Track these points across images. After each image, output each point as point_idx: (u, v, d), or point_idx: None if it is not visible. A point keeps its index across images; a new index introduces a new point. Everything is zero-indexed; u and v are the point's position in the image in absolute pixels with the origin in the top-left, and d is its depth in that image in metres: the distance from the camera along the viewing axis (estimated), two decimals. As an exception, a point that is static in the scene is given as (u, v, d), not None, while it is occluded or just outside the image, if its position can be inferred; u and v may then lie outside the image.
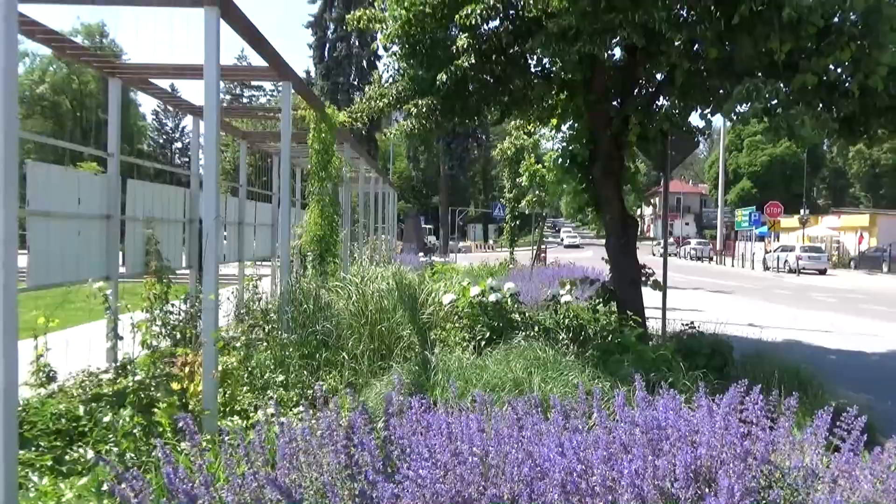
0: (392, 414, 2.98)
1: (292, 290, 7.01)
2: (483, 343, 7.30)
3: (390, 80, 8.16)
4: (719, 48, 6.00)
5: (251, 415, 5.38)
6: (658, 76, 7.93)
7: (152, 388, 4.06)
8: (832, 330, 11.35)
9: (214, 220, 4.87)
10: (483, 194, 66.72)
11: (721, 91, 6.46)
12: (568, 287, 8.80)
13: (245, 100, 62.24)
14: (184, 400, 4.50)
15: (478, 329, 7.59)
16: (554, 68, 8.06)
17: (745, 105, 5.27)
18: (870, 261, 34.96)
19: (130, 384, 5.49)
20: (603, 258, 8.85)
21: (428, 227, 48.33)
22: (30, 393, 5.83)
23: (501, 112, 8.35)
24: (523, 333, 7.49)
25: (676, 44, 6.42)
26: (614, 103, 8.22)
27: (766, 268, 35.56)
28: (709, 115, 7.25)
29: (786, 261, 33.33)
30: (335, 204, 9.47)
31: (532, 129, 10.11)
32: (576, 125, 8.67)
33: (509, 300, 8.08)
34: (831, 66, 5.65)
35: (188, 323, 7.94)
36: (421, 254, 22.73)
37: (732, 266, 38.67)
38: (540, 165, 15.60)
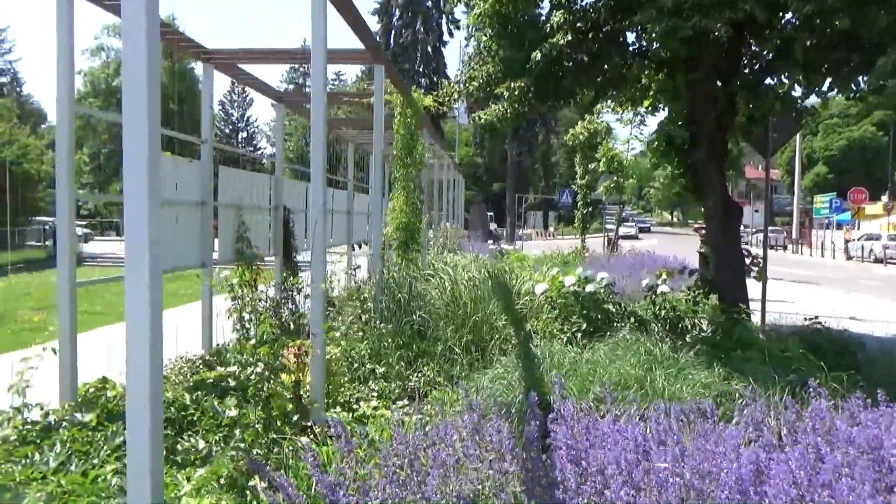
0: (552, 419, 2.72)
1: (386, 279, 6.86)
2: (580, 335, 7.00)
3: (479, 62, 7.87)
4: (851, 17, 5.48)
5: (353, 407, 5.26)
6: (766, 53, 7.38)
7: (271, 380, 3.92)
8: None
9: (322, 207, 4.71)
10: (544, 181, 65.76)
11: (847, 66, 5.92)
12: (664, 277, 8.39)
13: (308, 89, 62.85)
14: (298, 392, 4.38)
15: (574, 320, 7.29)
16: (653, 46, 7.63)
17: (890, 80, 4.77)
18: (964, 250, 32.71)
19: (236, 373, 5.44)
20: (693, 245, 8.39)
21: (490, 214, 48.00)
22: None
23: (596, 93, 7.96)
24: (626, 326, 7.16)
25: (797, 16, 5.93)
26: (718, 83, 7.71)
27: (849, 257, 33.80)
28: (828, 93, 6.70)
29: (871, 250, 31.57)
30: (419, 191, 9.29)
31: (623, 111, 9.64)
32: (675, 106, 8.19)
33: (603, 291, 7.75)
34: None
35: (278, 310, 7.91)
36: (490, 241, 22.41)
37: (811, 255, 36.93)
38: (619, 150, 15.07)
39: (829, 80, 6.27)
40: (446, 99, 8.25)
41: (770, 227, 54.33)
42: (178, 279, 13.17)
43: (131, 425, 2.37)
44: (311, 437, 4.06)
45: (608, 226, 21.19)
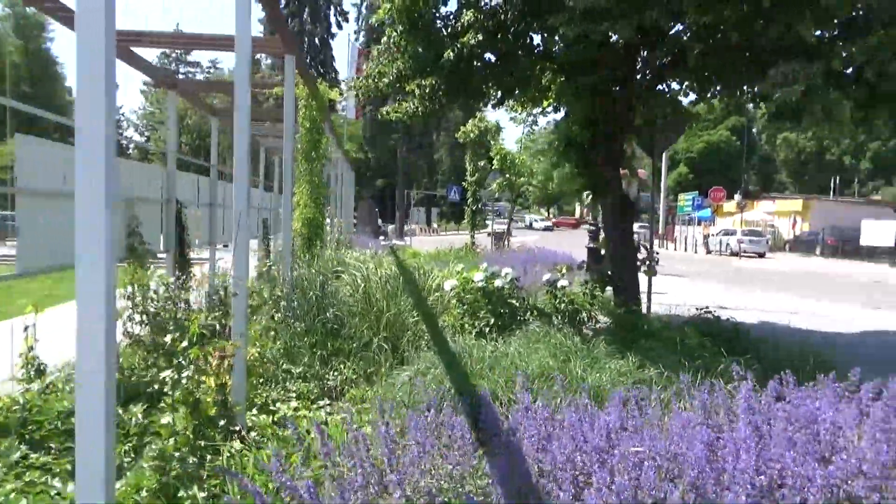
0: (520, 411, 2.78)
1: (296, 276, 6.68)
2: (487, 329, 7.17)
3: (389, 58, 7.82)
4: (743, 31, 5.97)
5: (272, 409, 5.09)
6: (661, 60, 7.87)
7: (199, 385, 3.72)
8: (798, 311, 11.72)
9: (247, 200, 4.51)
10: (427, 177, 66.38)
11: (736, 75, 6.45)
12: (564, 272, 8.75)
13: (181, 76, 59.68)
14: (225, 395, 4.17)
15: (482, 315, 7.44)
16: (556, 49, 7.92)
17: (780, 88, 5.24)
18: (804, 244, 36.67)
19: (148, 377, 5.11)
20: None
21: (376, 210, 47.78)
22: (18, 388, 5.34)
23: (503, 93, 8.15)
24: (530, 319, 7.42)
25: (692, 27, 6.37)
26: (616, 87, 8.14)
27: (709, 251, 36.76)
28: (715, 100, 7.25)
29: (728, 244, 34.53)
30: (324, 185, 9.10)
31: (520, 111, 9.92)
32: (575, 108, 8.55)
33: (508, 286, 7.97)
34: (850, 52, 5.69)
35: (166, 308, 7.49)
36: (381, 237, 22.35)
37: (675, 250, 39.79)
38: (511, 149, 15.49)
39: (718, 87, 6.80)
40: (355, 93, 8.12)
41: (640, 224, 58.12)
42: (61, 279, 12.11)
43: (81, 432, 2.17)
44: (241, 441, 3.89)
45: (498, 223, 21.78)
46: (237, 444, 3.73)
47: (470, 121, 20.09)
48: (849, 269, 26.92)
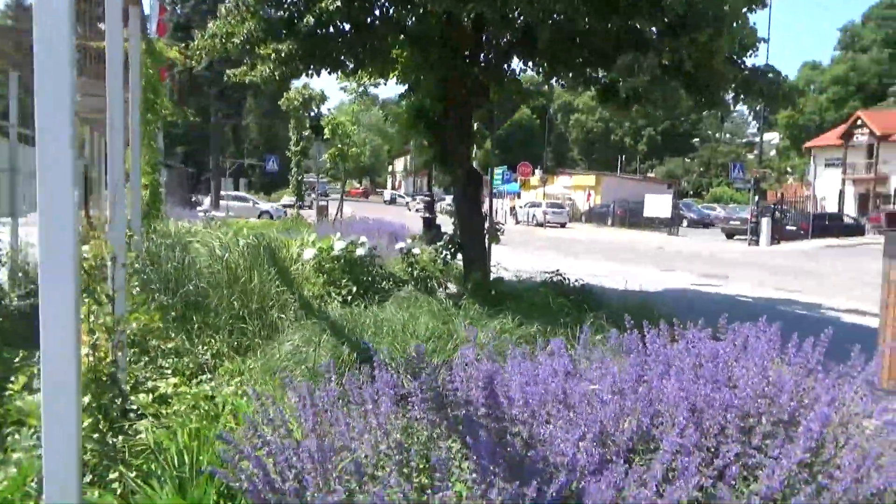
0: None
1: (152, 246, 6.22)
2: (349, 298, 7.26)
3: (238, 18, 7.43)
4: (585, 20, 6.56)
5: (149, 386, 4.78)
6: (508, 39, 8.33)
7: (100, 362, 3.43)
8: (610, 274, 13.15)
9: (122, 165, 4.14)
10: (234, 146, 63.05)
11: (583, 61, 7.07)
12: (416, 241, 9.06)
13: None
14: (115, 374, 3.84)
15: (343, 283, 7.50)
16: (409, 22, 8.06)
17: (627, 77, 5.89)
18: (598, 216, 40.74)
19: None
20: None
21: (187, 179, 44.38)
22: None
23: (357, 62, 8.13)
24: (391, 286, 7.62)
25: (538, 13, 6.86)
26: (466, 62, 8.48)
27: (517, 221, 39.43)
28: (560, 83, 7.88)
29: (534, 215, 37.31)
30: (158, 151, 8.44)
31: (360, 81, 9.93)
32: (427, 81, 8.77)
33: (366, 255, 8.09)
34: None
35: None
36: (198, 209, 21.00)
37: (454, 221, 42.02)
38: (344, 119, 15.36)
39: (566, 71, 7.41)
40: (198, 54, 7.60)
41: (450, 197, 60.50)
42: None
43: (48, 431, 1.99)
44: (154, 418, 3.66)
45: (331, 195, 21.52)
46: (144, 423, 3.51)
47: (293, 88, 19.54)
48: (636, 237, 30.45)
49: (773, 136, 78.28)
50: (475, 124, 9.35)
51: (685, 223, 36.80)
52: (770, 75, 6.87)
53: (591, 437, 2.25)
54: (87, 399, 3.18)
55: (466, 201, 8.77)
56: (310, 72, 7.52)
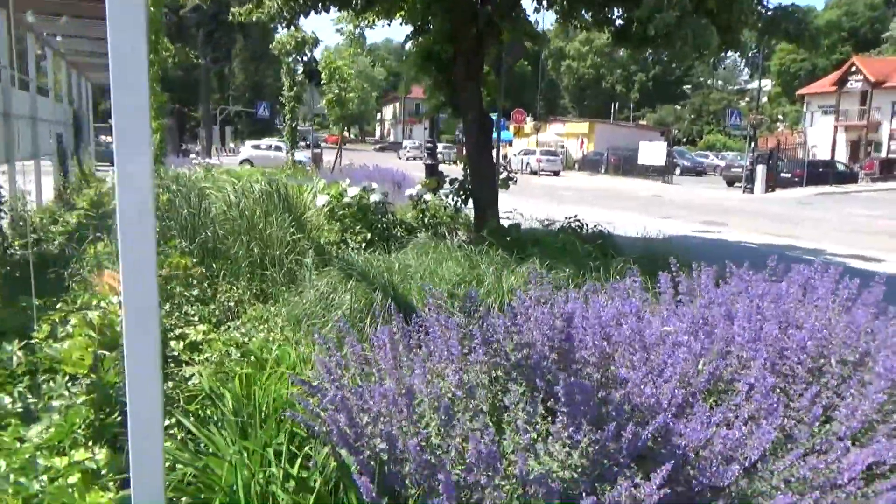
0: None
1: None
2: (363, 245, 7.17)
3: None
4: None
5: (178, 334, 4.72)
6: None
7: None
8: (614, 221, 13.11)
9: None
10: (219, 91, 61.64)
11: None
12: (426, 187, 8.92)
13: None
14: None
15: (357, 230, 7.40)
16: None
17: (657, 13, 5.68)
18: (591, 164, 40.48)
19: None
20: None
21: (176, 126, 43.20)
22: None
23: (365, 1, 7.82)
24: (402, 233, 7.54)
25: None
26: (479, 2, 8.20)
27: (510, 170, 39.10)
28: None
29: (528, 164, 37.01)
30: (161, 94, 8.16)
31: (370, 22, 9.58)
32: (436, 22, 8.48)
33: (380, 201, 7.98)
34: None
35: None
36: (193, 156, 20.54)
37: (464, 168, 41.73)
38: (341, 63, 14.94)
39: (588, 11, 7.18)
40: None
41: (444, 144, 59.82)
42: None
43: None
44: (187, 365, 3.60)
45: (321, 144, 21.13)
46: (191, 369, 3.46)
47: (284, 30, 18.94)
48: (631, 185, 30.37)
49: (764, 83, 77.73)
50: (485, 68, 9.11)
51: (678, 171, 36.69)
52: (796, 15, 6.68)
53: (675, 380, 2.22)
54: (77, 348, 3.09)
55: (477, 147, 8.61)
56: (318, 8, 7.23)
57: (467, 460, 1.94)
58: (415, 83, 8.78)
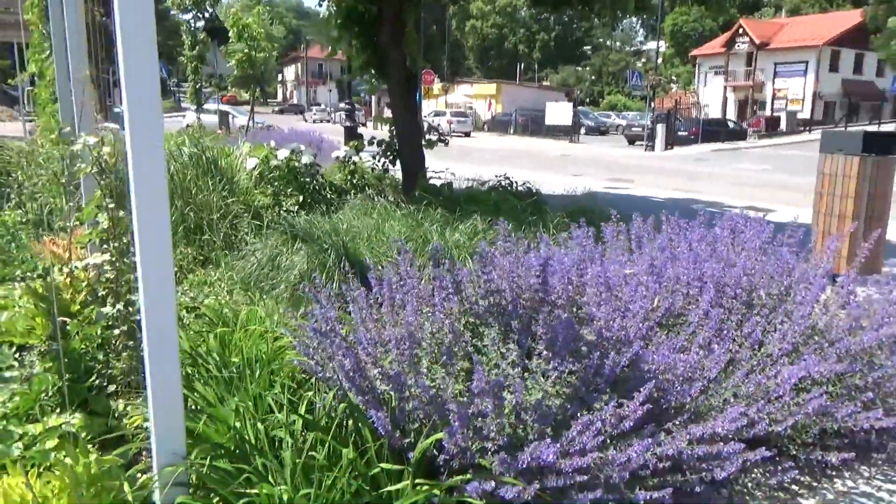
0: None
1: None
2: (296, 208, 7.17)
3: None
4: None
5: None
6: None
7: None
8: (531, 180, 13.56)
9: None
10: (104, 50, 57.68)
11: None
12: (354, 148, 8.92)
13: None
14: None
15: (290, 193, 7.37)
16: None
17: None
18: (500, 125, 41.11)
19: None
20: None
21: None
22: None
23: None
24: (332, 194, 7.58)
25: None
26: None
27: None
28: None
29: (438, 125, 37.08)
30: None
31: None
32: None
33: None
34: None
35: None
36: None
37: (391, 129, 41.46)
38: (249, 20, 14.39)
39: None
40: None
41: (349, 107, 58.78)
42: None
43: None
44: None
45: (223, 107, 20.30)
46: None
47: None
48: (540, 145, 31.17)
49: (659, 45, 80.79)
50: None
51: (583, 131, 37.93)
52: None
53: (640, 314, 2.50)
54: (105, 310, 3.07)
55: (403, 108, 8.68)
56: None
57: (472, 391, 2.15)
58: (336, 44, 8.63)
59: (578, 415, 2.14)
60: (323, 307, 2.54)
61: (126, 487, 2.30)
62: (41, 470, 2.49)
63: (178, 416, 2.05)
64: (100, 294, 3.02)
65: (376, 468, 2.09)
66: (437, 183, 9.26)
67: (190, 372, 3.04)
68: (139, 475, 2.67)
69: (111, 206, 2.69)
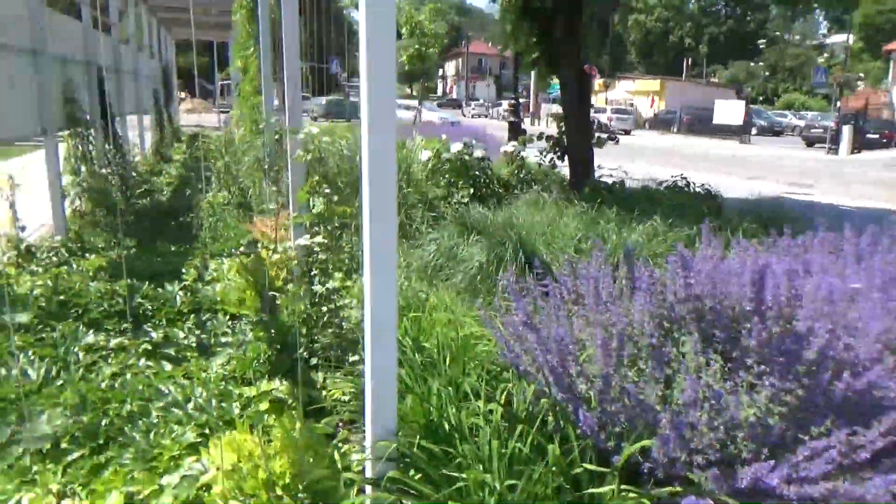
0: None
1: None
2: (466, 201, 7.28)
3: None
4: None
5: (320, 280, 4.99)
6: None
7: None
8: (706, 182, 12.85)
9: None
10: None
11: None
12: (523, 144, 8.95)
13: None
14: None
15: (461, 186, 7.52)
16: None
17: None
18: (662, 122, 39.37)
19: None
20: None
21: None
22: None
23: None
24: (500, 189, 7.65)
25: None
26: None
27: (577, 128, 38.45)
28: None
29: (598, 121, 36.25)
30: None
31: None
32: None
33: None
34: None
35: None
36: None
37: (547, 126, 41.17)
38: (421, 17, 14.87)
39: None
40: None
41: (509, 101, 59.09)
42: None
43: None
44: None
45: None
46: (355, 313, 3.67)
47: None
48: (707, 145, 29.48)
49: (844, 38, 73.27)
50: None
51: (754, 131, 35.34)
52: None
53: (874, 334, 2.27)
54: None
55: (575, 104, 8.54)
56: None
57: (681, 401, 2.06)
58: (510, 38, 8.67)
59: (798, 438, 1.98)
60: (520, 300, 2.55)
61: (336, 456, 2.46)
62: (258, 430, 2.72)
63: (391, 395, 2.15)
64: (312, 273, 3.25)
65: (579, 468, 2.06)
66: (612, 180, 9.04)
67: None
68: (340, 445, 2.85)
69: (327, 191, 2.88)
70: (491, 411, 2.36)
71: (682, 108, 37.68)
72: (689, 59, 75.74)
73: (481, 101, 60.69)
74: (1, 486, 2.46)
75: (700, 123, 35.19)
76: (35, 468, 2.58)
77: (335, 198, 2.89)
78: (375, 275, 2.08)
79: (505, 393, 2.39)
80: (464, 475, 2.00)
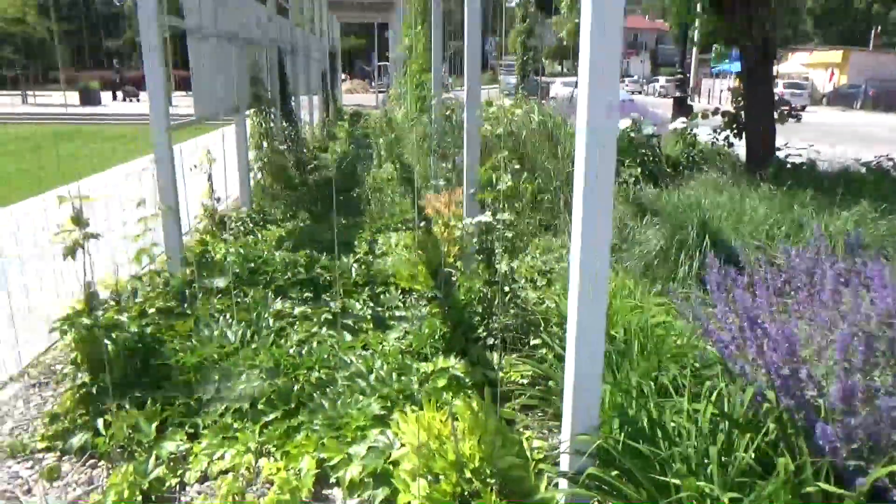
0: None
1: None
2: (633, 181, 6.91)
3: None
4: None
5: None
6: None
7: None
8: None
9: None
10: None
11: None
12: (697, 121, 8.38)
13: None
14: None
15: (626, 164, 7.15)
16: None
17: None
18: (844, 98, 35.50)
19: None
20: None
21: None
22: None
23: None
24: (669, 169, 7.19)
25: None
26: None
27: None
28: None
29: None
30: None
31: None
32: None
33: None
34: None
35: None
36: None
37: (709, 103, 38.64)
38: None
39: None
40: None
41: (666, 77, 56.11)
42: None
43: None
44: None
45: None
46: (534, 294, 3.58)
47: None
48: (900, 122, 26.23)
49: None
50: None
51: (958, 107, 30.92)
52: None
53: None
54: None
55: (756, 78, 7.80)
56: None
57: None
58: (683, 10, 8.04)
59: None
60: (736, 292, 2.29)
61: (525, 444, 2.37)
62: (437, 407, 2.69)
63: (596, 386, 2.00)
64: (488, 251, 3.18)
65: (812, 486, 1.81)
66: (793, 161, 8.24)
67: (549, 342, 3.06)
68: (522, 431, 2.75)
69: (517, 168, 2.77)
70: (697, 411, 2.15)
71: (868, 82, 33.71)
72: (877, 27, 67.65)
73: (635, 77, 58.18)
74: (208, 441, 2.62)
75: (890, 98, 31.31)
76: (235, 426, 2.72)
77: (524, 175, 2.76)
78: (586, 257, 1.93)
79: (715, 393, 2.16)
80: (676, 481, 1.82)
